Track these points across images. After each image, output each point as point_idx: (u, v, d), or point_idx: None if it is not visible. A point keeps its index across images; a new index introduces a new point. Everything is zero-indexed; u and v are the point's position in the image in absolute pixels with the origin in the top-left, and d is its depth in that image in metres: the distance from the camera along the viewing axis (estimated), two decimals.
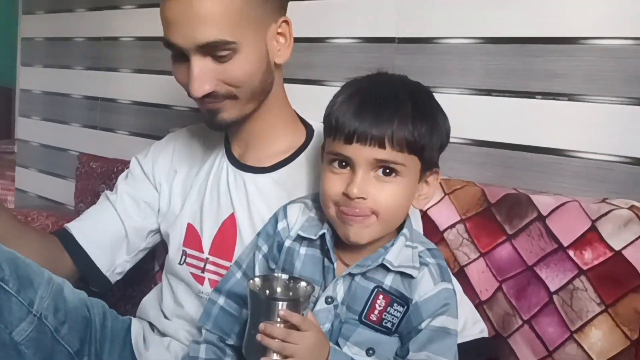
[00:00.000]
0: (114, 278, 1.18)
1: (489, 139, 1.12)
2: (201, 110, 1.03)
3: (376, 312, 0.86)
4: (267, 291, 0.85)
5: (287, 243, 0.93)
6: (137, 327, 1.15)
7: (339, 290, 0.88)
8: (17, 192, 2.43)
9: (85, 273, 1.14)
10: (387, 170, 0.83)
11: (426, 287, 0.85)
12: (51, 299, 0.99)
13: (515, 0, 1.14)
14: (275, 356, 0.78)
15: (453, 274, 1.04)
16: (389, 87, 0.87)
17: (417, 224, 1.03)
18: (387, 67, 1.29)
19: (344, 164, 0.85)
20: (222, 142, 1.14)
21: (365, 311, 0.86)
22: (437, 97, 1.21)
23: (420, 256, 0.88)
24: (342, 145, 0.83)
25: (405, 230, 0.89)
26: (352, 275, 0.87)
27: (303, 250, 0.92)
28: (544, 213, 0.99)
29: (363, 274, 0.87)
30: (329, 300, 0.87)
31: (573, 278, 0.96)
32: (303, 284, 0.84)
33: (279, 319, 0.78)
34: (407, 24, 1.27)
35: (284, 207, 0.97)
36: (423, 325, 0.84)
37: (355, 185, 0.82)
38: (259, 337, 0.78)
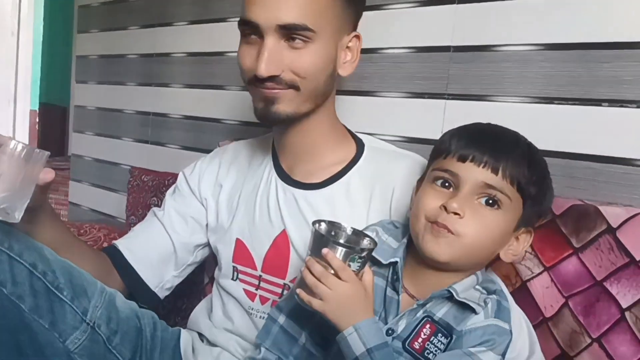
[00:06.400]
0: (162, 294, 1.18)
1: (552, 149, 1.07)
2: (255, 101, 1.01)
3: (420, 340, 0.83)
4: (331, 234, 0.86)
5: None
6: (186, 338, 1.14)
7: (402, 323, 0.86)
8: (71, 205, 2.48)
9: (134, 290, 1.14)
10: (491, 201, 0.83)
11: (476, 319, 0.83)
12: (104, 309, 0.98)
13: (579, 4, 1.09)
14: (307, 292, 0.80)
15: (515, 289, 1.00)
16: (508, 131, 0.89)
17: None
18: (442, 76, 1.27)
19: (447, 184, 0.85)
20: (270, 155, 1.13)
21: (410, 338, 0.84)
22: (495, 105, 1.19)
23: (485, 299, 0.85)
24: (454, 163, 0.84)
25: (478, 273, 0.88)
26: (418, 308, 0.85)
27: (386, 272, 0.90)
28: (614, 225, 0.94)
29: (423, 305, 0.85)
30: (390, 332, 0.85)
31: None
32: (366, 240, 0.85)
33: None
34: (463, 32, 1.24)
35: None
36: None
37: (456, 200, 0.82)
38: (302, 267, 0.80)
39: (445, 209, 0.82)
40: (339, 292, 0.79)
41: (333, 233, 0.85)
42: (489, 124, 0.90)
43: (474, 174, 0.83)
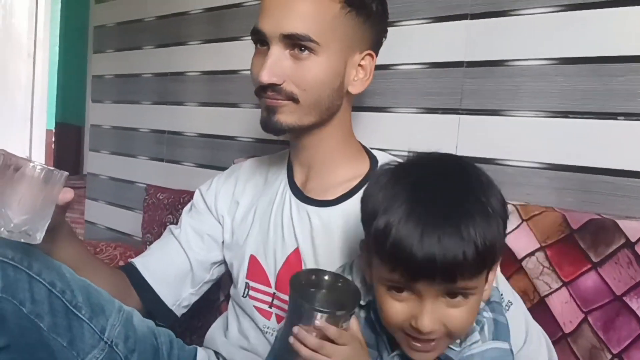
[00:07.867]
0: (179, 312, 1.18)
1: (568, 163, 1.07)
2: (261, 111, 1.02)
3: None
4: (312, 288, 0.82)
5: None
6: (202, 356, 1.14)
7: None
8: (87, 224, 2.49)
9: (152, 308, 1.14)
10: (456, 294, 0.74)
11: (474, 345, 0.79)
12: (122, 327, 0.99)
13: (592, 18, 1.09)
14: None
15: (533, 305, 0.99)
16: (449, 194, 0.74)
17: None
18: (456, 91, 1.27)
19: (400, 288, 0.75)
20: (285, 171, 1.13)
21: None
22: (510, 120, 1.19)
23: (480, 320, 0.81)
24: (405, 281, 0.74)
25: None
26: None
27: (363, 313, 0.86)
28: (633, 239, 0.93)
29: None
30: None
31: None
32: (353, 286, 0.82)
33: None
34: (476, 47, 1.24)
35: (351, 264, 0.92)
36: None
37: (426, 318, 0.73)
38: (291, 339, 0.76)
39: (419, 331, 0.74)
40: (339, 357, 0.75)
41: (314, 277, 0.82)
42: (425, 185, 0.75)
43: (431, 288, 0.73)
